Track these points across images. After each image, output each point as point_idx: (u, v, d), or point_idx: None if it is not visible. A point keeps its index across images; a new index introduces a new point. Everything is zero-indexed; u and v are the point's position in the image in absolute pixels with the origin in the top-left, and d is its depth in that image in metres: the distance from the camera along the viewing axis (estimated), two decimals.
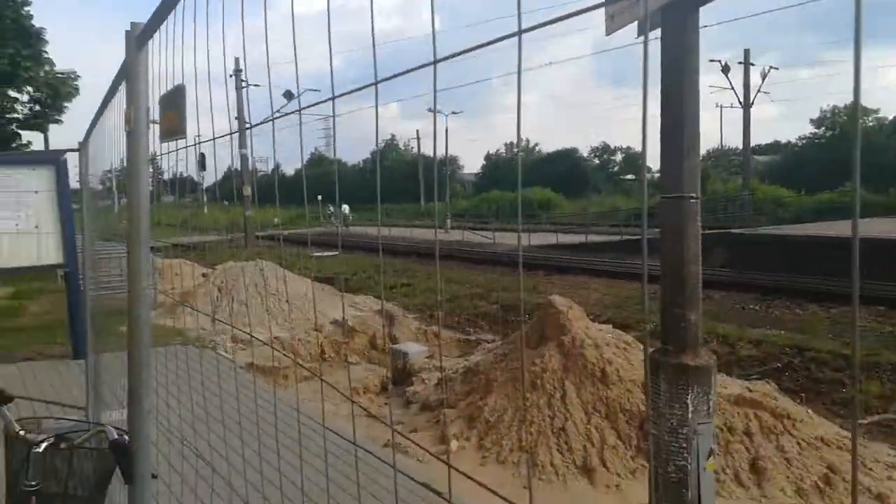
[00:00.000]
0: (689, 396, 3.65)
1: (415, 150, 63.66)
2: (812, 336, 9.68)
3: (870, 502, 4.34)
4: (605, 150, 68.37)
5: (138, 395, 1.88)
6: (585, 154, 63.80)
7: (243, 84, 32.26)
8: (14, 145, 15.07)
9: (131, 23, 1.80)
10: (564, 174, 56.46)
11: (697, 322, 3.84)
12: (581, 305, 12.73)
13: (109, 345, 8.15)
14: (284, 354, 7.38)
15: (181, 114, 1.85)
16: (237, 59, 32.22)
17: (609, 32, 4.09)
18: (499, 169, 67.28)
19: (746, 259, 17.66)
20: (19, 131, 15.39)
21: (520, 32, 0.85)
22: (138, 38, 1.79)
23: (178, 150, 2.03)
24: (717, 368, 8.21)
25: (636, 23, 3.93)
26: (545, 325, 6.20)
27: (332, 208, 46.45)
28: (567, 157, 60.88)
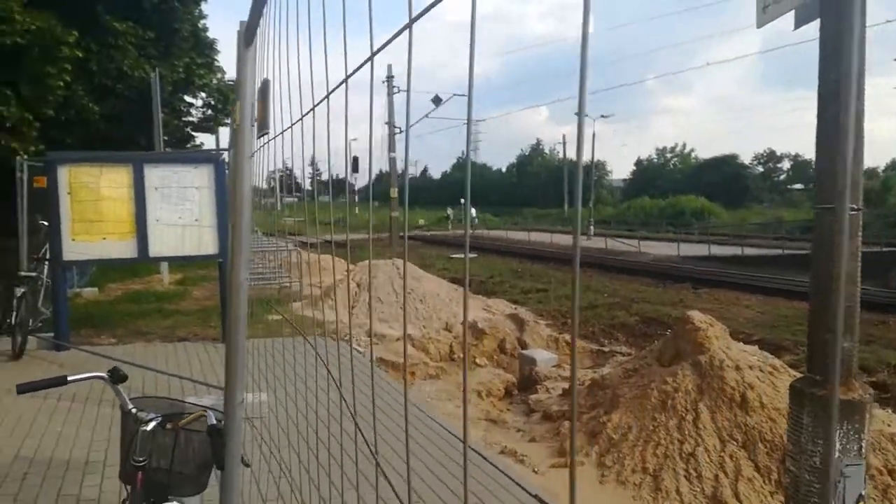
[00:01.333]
0: (838, 434, 3.21)
1: (560, 154, 62.74)
2: None
3: None
4: (770, 158, 63.21)
5: (232, 386, 1.95)
6: (748, 161, 59.37)
7: (395, 90, 33.65)
8: (188, 146, 16.81)
9: (240, 21, 1.86)
10: (723, 182, 52.99)
11: (851, 350, 3.36)
12: (731, 323, 11.87)
13: (257, 331, 8.78)
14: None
15: (265, 107, 1.88)
16: (389, 66, 33.85)
17: (760, 25, 3.70)
18: (649, 175, 64.60)
19: None
20: (193, 133, 17.15)
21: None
22: (246, 36, 1.84)
23: (265, 143, 2.07)
24: (886, 402, 7.30)
25: (793, 13, 3.54)
26: (681, 342, 5.78)
27: (449, 211, 47.31)
28: (726, 164, 57.00)
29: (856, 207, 3.31)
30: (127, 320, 8.67)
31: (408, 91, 0.97)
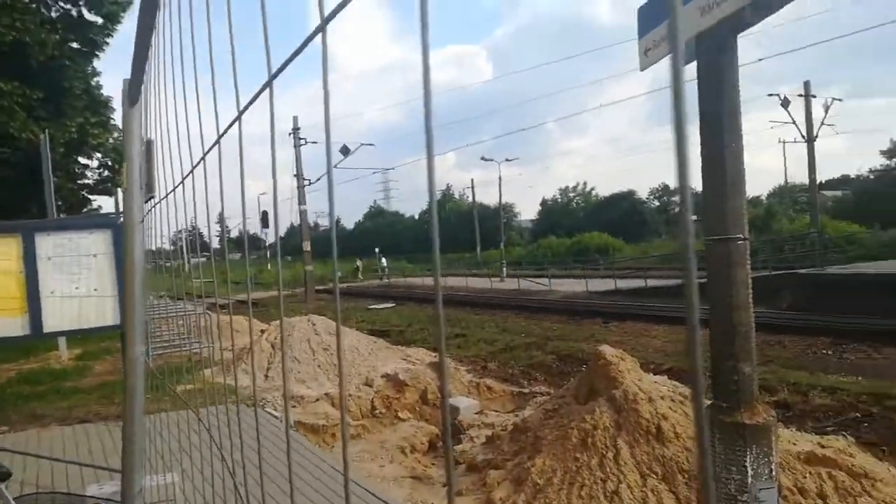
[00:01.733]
0: (748, 458, 3.34)
1: (470, 199, 64.05)
2: (893, 382, 8.96)
3: None
4: (664, 191, 67.12)
5: (130, 473, 1.82)
6: (644, 196, 62.73)
7: (301, 142, 33.47)
8: (85, 210, 15.98)
9: (123, 79, 1.80)
10: (622, 217, 55.67)
11: (752, 375, 3.54)
12: (641, 354, 12.32)
13: (165, 404, 8.28)
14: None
15: (150, 169, 1.83)
16: (295, 118, 33.73)
17: (643, 68, 3.96)
18: (555, 214, 66.94)
19: (816, 301, 16.72)
20: (90, 196, 16.35)
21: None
22: (129, 94, 1.79)
23: (153, 207, 2.00)
24: (789, 420, 7.68)
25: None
26: (595, 378, 5.93)
27: (358, 262, 47.43)
28: (624, 200, 60.04)
29: (743, 237, 3.54)
30: (20, 404, 7.98)
31: (285, 145, 0.97)
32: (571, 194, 71.18)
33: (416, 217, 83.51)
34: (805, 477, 4.54)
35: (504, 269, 36.18)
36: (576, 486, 4.85)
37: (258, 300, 31.58)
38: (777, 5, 3.22)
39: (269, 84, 0.84)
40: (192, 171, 1.39)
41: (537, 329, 16.67)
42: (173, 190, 1.60)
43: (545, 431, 5.72)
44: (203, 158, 1.27)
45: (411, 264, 53.71)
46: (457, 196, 78.14)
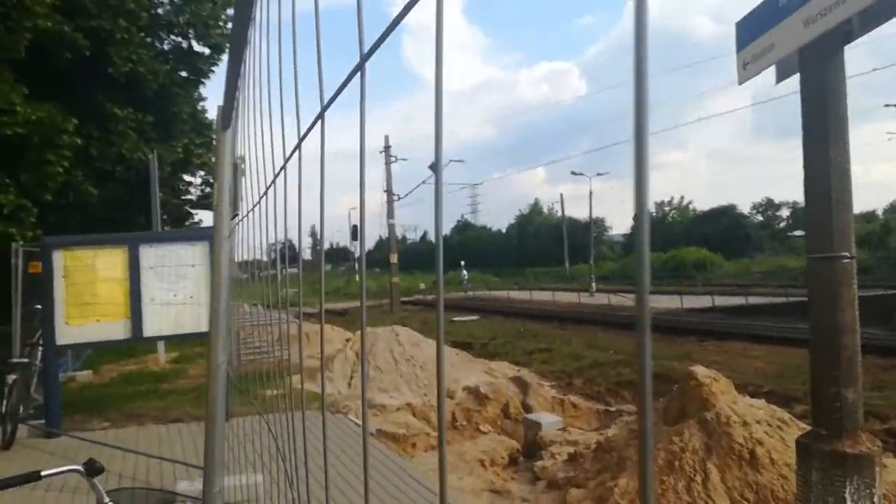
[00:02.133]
0: (848, 490, 3.05)
1: (559, 213, 63.28)
2: None
3: None
4: (768, 206, 63.62)
5: (210, 474, 1.86)
6: (746, 211, 59.73)
7: (392, 159, 34.26)
8: (187, 223, 16.99)
9: (217, 106, 1.88)
10: (722, 232, 53.19)
11: (857, 402, 3.24)
12: (740, 376, 11.65)
13: (252, 409, 8.60)
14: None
15: (236, 187, 1.88)
16: (386, 137, 34.61)
17: (742, 81, 3.75)
18: (649, 229, 64.96)
19: None
20: (191, 211, 17.36)
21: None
22: (223, 118, 1.86)
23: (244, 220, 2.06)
24: None
25: (773, 68, 3.58)
26: (686, 400, 5.62)
27: (464, 273, 47.42)
28: (724, 215, 57.36)
29: (849, 255, 3.26)
30: (121, 403, 8.51)
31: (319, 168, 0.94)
32: (667, 208, 68.87)
33: (504, 231, 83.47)
34: None
35: (593, 283, 35.38)
36: None
37: (346, 309, 32.50)
38: (885, 17, 2.99)
39: (320, 116, 0.90)
40: (265, 192, 1.45)
41: (627, 346, 16.11)
42: (254, 207, 1.67)
43: (630, 451, 5.47)
44: (274, 181, 1.31)
45: (497, 277, 53.60)
46: (545, 210, 77.43)
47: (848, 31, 3.00)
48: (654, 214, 68.79)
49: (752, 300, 21.24)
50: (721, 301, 22.89)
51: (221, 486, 2.17)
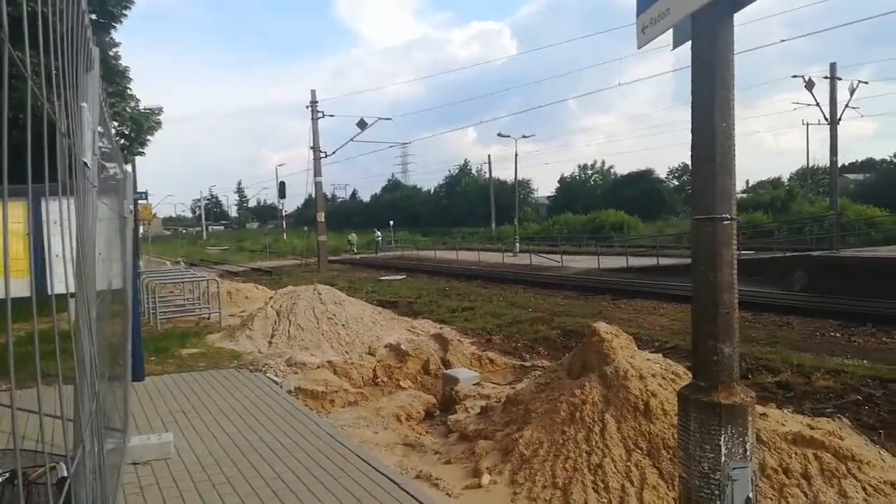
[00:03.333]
0: (723, 438, 3.34)
1: (487, 174, 63.72)
2: None
3: None
4: (683, 171, 66.20)
5: (79, 435, 1.84)
6: (663, 175, 62.02)
7: (319, 115, 33.42)
8: (102, 176, 16.14)
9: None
10: (640, 196, 55.10)
11: (732, 355, 3.52)
12: (647, 331, 12.31)
13: (168, 367, 8.40)
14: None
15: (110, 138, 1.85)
16: (313, 91, 33.66)
17: (641, 45, 3.88)
18: (572, 191, 66.48)
19: (829, 283, 16.54)
20: (105, 164, 16.47)
21: None
22: (86, 60, 1.80)
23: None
24: (789, 401, 7.62)
25: (671, 34, 3.72)
26: (588, 354, 5.93)
27: (352, 236, 46.92)
28: (643, 179, 59.37)
29: (730, 217, 3.50)
30: (29, 362, 8.18)
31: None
32: (590, 171, 70.57)
33: (432, 191, 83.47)
34: (790, 457, 4.54)
35: (517, 244, 36.12)
36: (561, 459, 4.89)
37: (273, 268, 31.95)
38: None
39: None
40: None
41: (545, 304, 16.69)
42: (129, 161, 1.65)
43: (536, 404, 5.75)
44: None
45: (425, 237, 53.80)
46: (474, 171, 77.78)
47: (737, 0, 3.14)
48: (578, 177, 70.43)
49: (664, 261, 22.29)
50: (635, 261, 23.91)
51: (91, 447, 2.15)
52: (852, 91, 27.68)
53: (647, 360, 5.79)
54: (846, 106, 27.84)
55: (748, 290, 16.13)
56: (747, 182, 69.37)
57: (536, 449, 5.09)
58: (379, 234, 47.31)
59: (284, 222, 74.27)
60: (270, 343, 9.94)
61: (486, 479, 4.85)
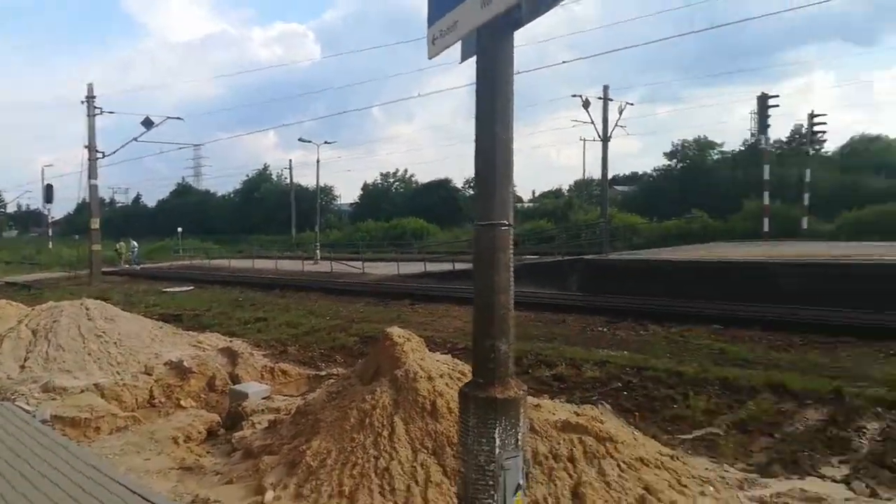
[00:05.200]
0: (497, 431, 3.49)
1: (288, 180, 61.98)
2: (651, 355, 10.13)
3: None
4: None
5: None
6: (459, 185, 65.08)
7: (97, 111, 30.04)
8: None
9: None
10: (439, 204, 57.26)
11: (508, 352, 3.70)
12: (441, 334, 12.73)
13: None
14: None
15: None
16: (90, 85, 30.15)
17: (431, 55, 3.94)
18: (375, 199, 67.17)
19: (599, 283, 18.51)
20: None
21: None
22: None
23: None
24: (563, 391, 8.22)
25: (459, 47, 3.82)
26: (381, 359, 5.95)
27: (120, 244, 41.75)
28: (441, 188, 61.79)
29: (507, 223, 3.68)
30: None
31: None
32: (392, 179, 71.84)
33: (227, 196, 79.24)
34: (559, 443, 4.91)
35: (318, 251, 35.57)
36: (349, 466, 4.82)
37: (34, 281, 28.00)
38: (545, 7, 3.32)
39: None
40: None
41: (344, 312, 16.58)
42: None
43: (326, 413, 5.62)
44: None
45: (217, 245, 50.77)
46: (274, 177, 75.26)
47: (518, 18, 3.28)
48: (381, 185, 71.36)
49: (459, 265, 23.31)
50: (433, 267, 24.73)
51: None
52: (621, 111, 31.29)
53: (437, 361, 5.94)
54: (615, 125, 31.42)
55: (532, 292, 17.45)
56: (533, 192, 75.47)
57: (324, 459, 4.97)
58: (135, 244, 41.21)
59: (51, 230, 65.60)
60: (23, 367, 8.64)
61: (269, 495, 4.62)
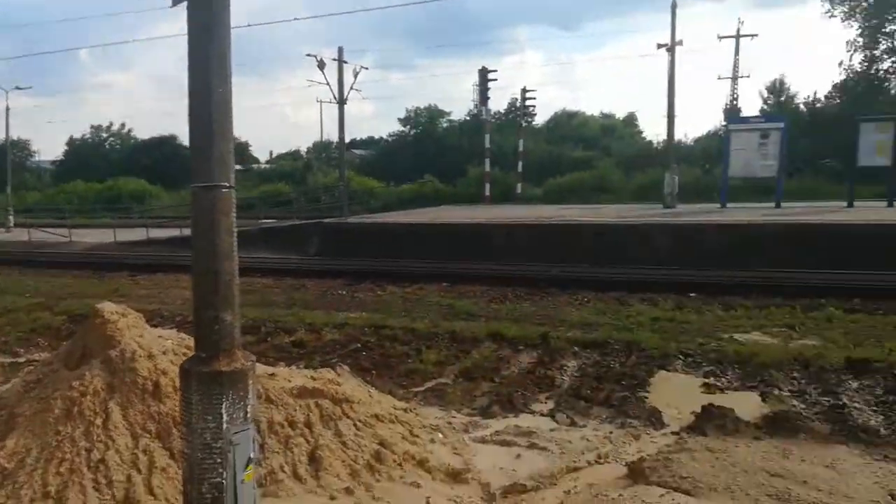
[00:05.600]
0: (224, 405, 3.31)
1: None
2: (388, 315, 10.57)
3: (413, 469, 4.71)
4: None
5: None
6: (187, 142, 60.21)
7: None
8: None
9: None
10: (163, 163, 52.17)
11: (234, 323, 3.50)
12: (169, 307, 11.75)
13: None
14: None
15: None
16: None
17: (175, 3, 3.45)
18: (84, 156, 58.89)
19: (338, 246, 18.76)
20: None
21: None
22: None
23: None
24: (303, 357, 8.13)
25: None
26: (89, 339, 5.24)
27: None
28: (165, 145, 56.21)
29: (228, 185, 3.43)
30: None
31: None
32: (105, 134, 63.55)
33: None
34: (296, 410, 4.87)
35: (11, 217, 30.20)
36: (55, 463, 4.21)
37: None
38: None
39: None
40: None
41: (48, 287, 14.41)
42: None
43: (24, 406, 4.82)
44: None
45: None
46: None
47: None
48: (91, 140, 62.80)
49: (186, 231, 21.67)
50: (157, 233, 22.68)
51: None
52: (356, 74, 31.42)
53: (160, 337, 5.45)
54: (351, 88, 31.55)
55: (270, 257, 17.00)
56: (271, 153, 73.10)
57: (23, 458, 4.27)
58: None
59: None
60: None
61: None
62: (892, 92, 35.73)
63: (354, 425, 4.92)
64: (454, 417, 6.14)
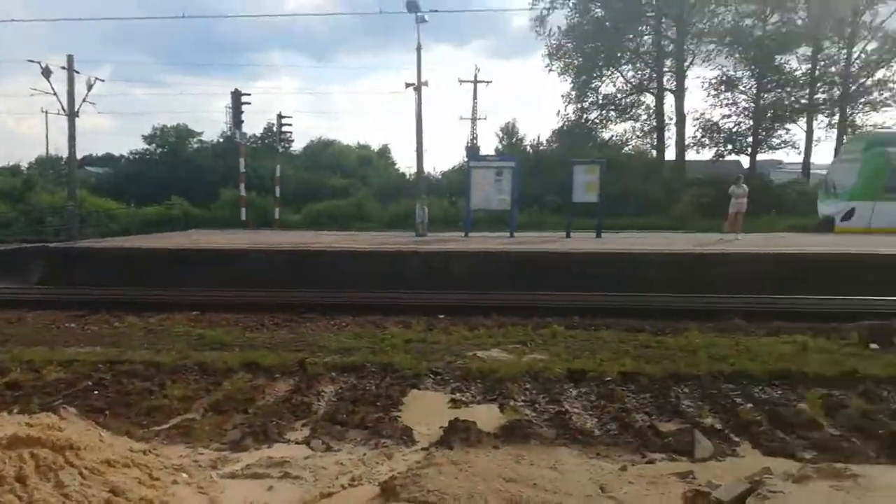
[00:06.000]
0: None
1: None
2: (127, 348, 9.62)
3: None
4: None
5: None
6: None
7: None
8: None
9: None
10: None
11: None
12: None
13: None
14: None
15: None
16: None
17: None
18: None
19: (69, 273, 16.62)
20: None
21: None
22: None
23: None
24: (19, 400, 7.07)
25: None
26: None
27: None
28: None
29: None
30: None
31: None
32: None
33: None
34: (5, 463, 4.21)
35: None
36: None
37: None
38: None
39: None
40: None
41: None
42: None
43: None
44: None
45: None
46: None
47: None
48: None
49: None
50: None
51: None
52: (90, 86, 28.32)
53: None
54: (84, 100, 28.32)
55: None
56: None
57: None
58: None
59: None
60: None
61: None
62: (598, 140, 42.60)
63: (80, 474, 4.38)
64: (201, 454, 5.76)
